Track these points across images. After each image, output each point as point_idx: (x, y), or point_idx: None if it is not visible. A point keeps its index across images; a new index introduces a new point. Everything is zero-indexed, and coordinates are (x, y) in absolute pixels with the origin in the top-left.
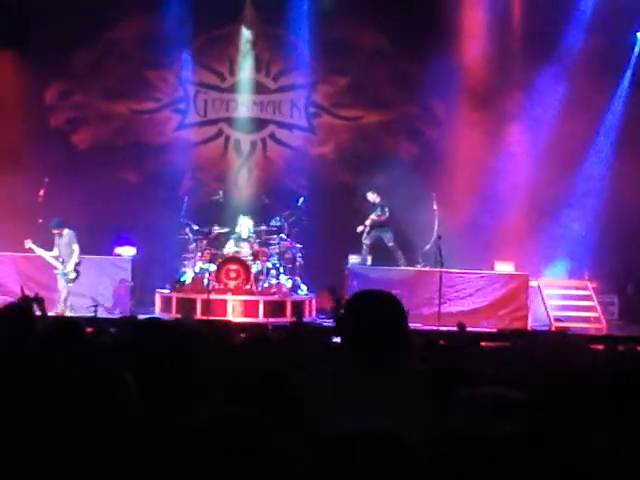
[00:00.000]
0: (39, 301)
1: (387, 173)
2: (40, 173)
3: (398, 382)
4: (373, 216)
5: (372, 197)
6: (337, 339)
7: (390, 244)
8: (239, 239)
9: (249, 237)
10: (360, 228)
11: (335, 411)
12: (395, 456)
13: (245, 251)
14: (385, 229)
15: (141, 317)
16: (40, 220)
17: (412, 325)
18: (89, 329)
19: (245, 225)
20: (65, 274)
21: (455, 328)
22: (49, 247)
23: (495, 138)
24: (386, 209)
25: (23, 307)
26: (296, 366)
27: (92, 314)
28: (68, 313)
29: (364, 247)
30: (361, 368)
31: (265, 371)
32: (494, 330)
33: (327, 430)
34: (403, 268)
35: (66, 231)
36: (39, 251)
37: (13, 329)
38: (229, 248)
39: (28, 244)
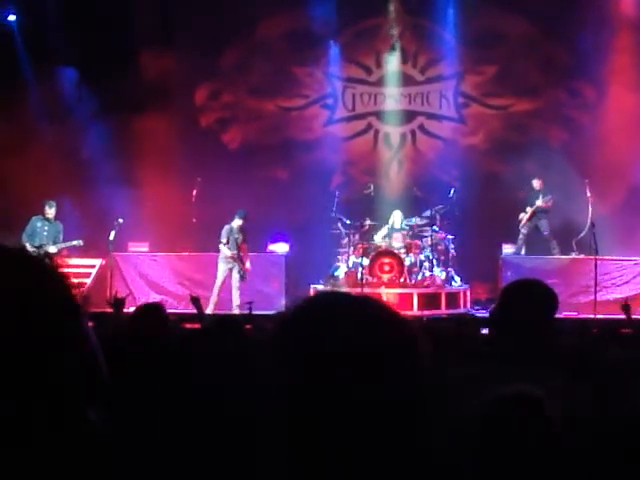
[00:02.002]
0: (195, 300)
1: (538, 161)
2: (192, 173)
3: (543, 368)
4: (539, 202)
5: (537, 184)
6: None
7: (546, 233)
8: (391, 232)
9: (401, 230)
10: (522, 215)
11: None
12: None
13: (398, 244)
14: (544, 217)
15: None
16: (194, 220)
17: (568, 314)
18: (248, 326)
19: (397, 218)
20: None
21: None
22: (200, 247)
23: None
24: (550, 196)
25: (158, 307)
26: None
27: (247, 311)
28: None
29: (520, 236)
30: (508, 360)
31: None
32: None
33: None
34: (557, 257)
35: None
36: (228, 251)
37: (148, 329)
38: (381, 241)
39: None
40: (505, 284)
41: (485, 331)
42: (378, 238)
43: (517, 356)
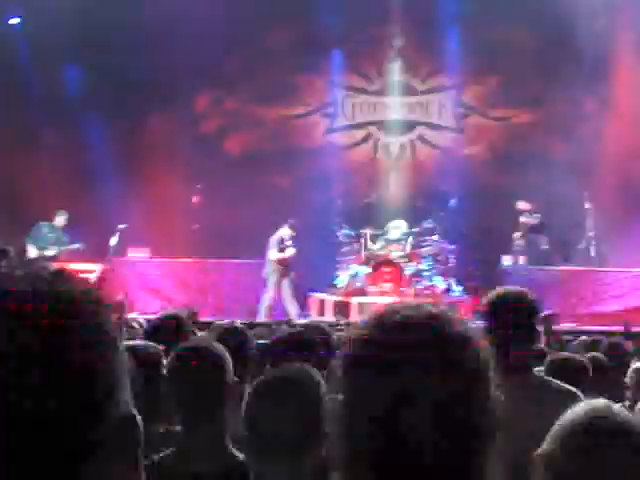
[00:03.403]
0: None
1: (538, 173)
2: (193, 180)
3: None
4: (523, 219)
5: (522, 205)
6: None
7: (545, 247)
8: (392, 241)
9: (402, 239)
10: (515, 234)
11: None
12: None
13: (398, 253)
14: (540, 234)
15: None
16: (196, 226)
17: (567, 325)
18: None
19: (397, 227)
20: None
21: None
22: (201, 254)
23: None
24: (537, 214)
25: (178, 317)
26: None
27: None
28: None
29: (518, 249)
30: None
31: None
32: None
33: None
34: (557, 268)
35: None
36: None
37: (168, 340)
38: (382, 250)
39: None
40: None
41: None
42: (379, 247)
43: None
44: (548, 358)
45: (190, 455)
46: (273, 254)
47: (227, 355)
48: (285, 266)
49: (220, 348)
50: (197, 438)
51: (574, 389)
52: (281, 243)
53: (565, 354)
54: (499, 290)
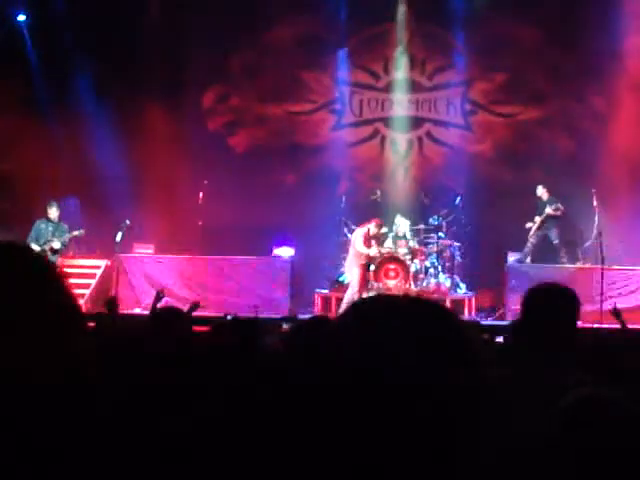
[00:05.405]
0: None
1: (546, 170)
2: (199, 176)
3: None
4: (548, 210)
5: (541, 192)
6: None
7: (556, 242)
8: (397, 238)
9: (407, 236)
10: (529, 224)
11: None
12: None
13: (403, 250)
14: (553, 226)
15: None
16: (200, 222)
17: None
18: None
19: (403, 224)
20: None
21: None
22: (206, 250)
23: None
24: (558, 204)
25: (176, 310)
26: None
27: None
28: None
29: (529, 245)
30: (538, 367)
31: None
32: None
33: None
34: (563, 266)
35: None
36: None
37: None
38: (387, 248)
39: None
40: (526, 291)
41: (500, 339)
42: (385, 244)
43: (546, 357)
44: None
45: None
46: (362, 247)
47: None
48: (367, 263)
49: None
50: None
51: None
52: (368, 239)
53: None
54: (540, 285)
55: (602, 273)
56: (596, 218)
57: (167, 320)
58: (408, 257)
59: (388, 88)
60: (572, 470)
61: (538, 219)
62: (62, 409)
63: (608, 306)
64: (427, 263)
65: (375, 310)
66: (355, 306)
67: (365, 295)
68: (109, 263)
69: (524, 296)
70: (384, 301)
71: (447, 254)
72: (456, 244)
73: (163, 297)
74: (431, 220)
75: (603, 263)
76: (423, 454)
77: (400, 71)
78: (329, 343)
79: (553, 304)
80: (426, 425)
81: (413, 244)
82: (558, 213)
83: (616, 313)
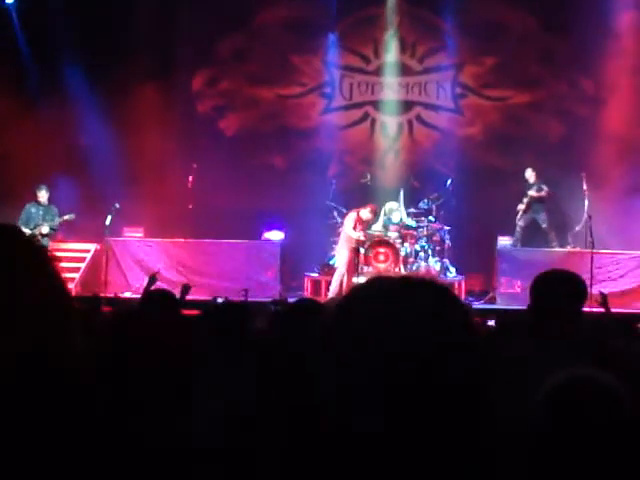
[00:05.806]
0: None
1: (536, 153)
2: (188, 159)
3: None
4: (532, 192)
5: (529, 174)
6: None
7: (544, 225)
8: (390, 223)
9: (403, 219)
10: (519, 206)
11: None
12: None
13: (394, 235)
14: (541, 210)
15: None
16: (190, 206)
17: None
18: None
19: (392, 208)
20: None
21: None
22: (196, 233)
23: None
24: (544, 187)
25: (166, 292)
26: None
27: (243, 298)
28: None
29: (518, 229)
30: (543, 340)
31: None
32: None
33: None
34: (553, 249)
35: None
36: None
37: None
38: (377, 231)
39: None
40: (537, 276)
41: (491, 322)
42: (375, 228)
43: (552, 342)
44: None
45: None
46: (352, 231)
47: None
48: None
49: None
50: None
51: None
52: (360, 223)
53: None
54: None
55: (592, 257)
56: (586, 202)
57: (159, 302)
58: (398, 241)
59: (378, 71)
60: (558, 451)
61: (525, 201)
62: (54, 395)
63: (595, 291)
64: (417, 247)
65: (392, 289)
66: (368, 285)
67: (354, 279)
68: (99, 247)
69: (540, 281)
70: (397, 282)
71: (437, 238)
72: (446, 228)
73: (156, 280)
74: (421, 204)
75: (593, 247)
76: (449, 421)
77: (390, 54)
78: (344, 324)
79: (568, 293)
80: (454, 395)
81: (403, 228)
82: (542, 194)
83: (602, 300)
